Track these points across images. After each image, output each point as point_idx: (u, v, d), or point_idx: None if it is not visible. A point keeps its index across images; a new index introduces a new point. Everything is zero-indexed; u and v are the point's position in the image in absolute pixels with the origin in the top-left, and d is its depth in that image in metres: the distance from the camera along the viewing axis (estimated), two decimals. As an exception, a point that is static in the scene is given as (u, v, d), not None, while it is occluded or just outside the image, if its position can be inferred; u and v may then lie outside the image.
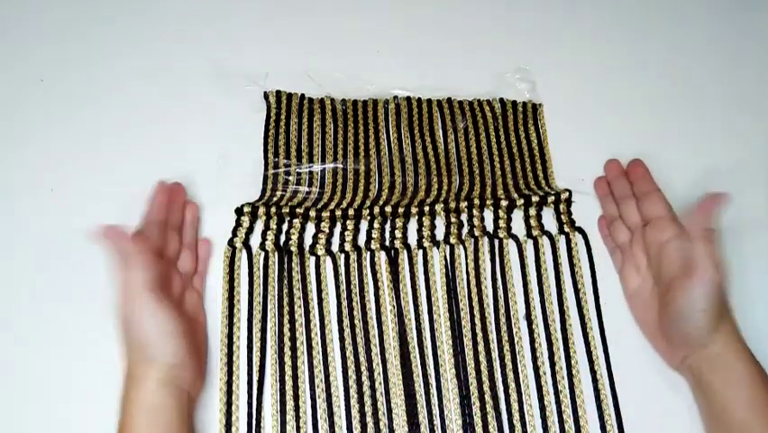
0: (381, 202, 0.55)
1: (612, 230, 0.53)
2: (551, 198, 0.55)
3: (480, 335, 0.50)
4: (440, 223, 0.55)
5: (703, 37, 0.66)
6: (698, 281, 0.44)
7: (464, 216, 0.55)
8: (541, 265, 0.53)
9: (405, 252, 0.53)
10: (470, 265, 0.53)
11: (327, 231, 0.53)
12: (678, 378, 0.49)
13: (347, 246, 0.53)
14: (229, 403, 0.47)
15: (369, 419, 0.47)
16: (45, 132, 0.57)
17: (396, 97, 0.61)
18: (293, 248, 0.53)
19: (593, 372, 0.49)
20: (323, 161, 0.58)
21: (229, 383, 0.48)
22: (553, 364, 0.49)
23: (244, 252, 0.52)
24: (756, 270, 0.53)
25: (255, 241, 0.53)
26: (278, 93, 0.59)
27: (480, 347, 0.50)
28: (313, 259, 0.53)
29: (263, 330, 0.50)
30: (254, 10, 0.65)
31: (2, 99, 0.59)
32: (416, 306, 0.51)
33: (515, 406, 0.48)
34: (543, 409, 0.48)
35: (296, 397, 0.48)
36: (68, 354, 0.48)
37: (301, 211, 0.53)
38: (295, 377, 0.48)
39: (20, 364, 0.48)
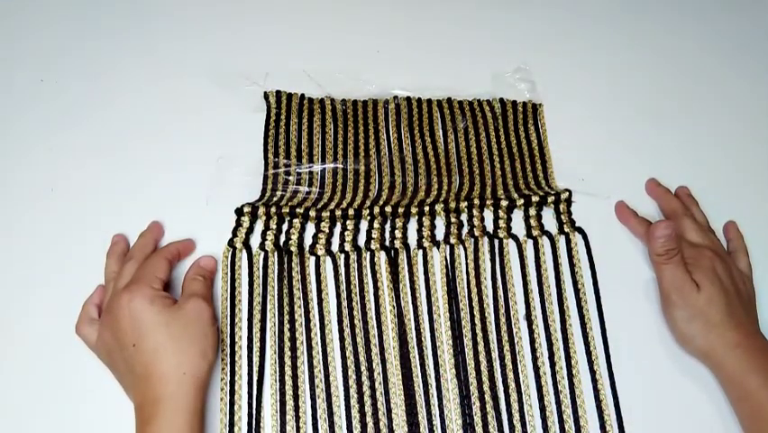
0: (381, 202, 0.55)
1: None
2: (551, 198, 0.55)
3: (480, 335, 0.50)
4: (440, 223, 0.55)
5: (703, 36, 0.66)
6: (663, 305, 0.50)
7: (464, 216, 0.55)
8: (541, 265, 0.53)
9: (405, 252, 0.53)
10: (470, 265, 0.53)
11: (327, 231, 0.53)
12: (677, 378, 0.49)
13: (347, 246, 0.53)
14: (232, 403, 0.47)
15: (368, 419, 0.47)
16: (45, 132, 0.58)
17: (396, 97, 0.61)
18: (293, 248, 0.53)
19: (593, 372, 0.49)
20: (323, 161, 0.58)
21: (232, 383, 0.48)
22: (553, 364, 0.49)
23: (244, 252, 0.52)
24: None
25: (255, 241, 0.53)
26: (278, 93, 0.59)
27: (480, 347, 0.50)
28: (313, 259, 0.53)
29: (263, 330, 0.50)
30: (254, 10, 0.65)
31: (2, 99, 0.59)
32: (416, 306, 0.51)
33: (515, 406, 0.48)
34: (543, 409, 0.48)
35: (296, 397, 0.48)
36: (67, 354, 0.48)
37: (301, 211, 0.53)
38: (295, 377, 0.48)
39: (19, 365, 0.48)
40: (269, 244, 0.52)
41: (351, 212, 0.54)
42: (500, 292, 0.52)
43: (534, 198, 0.55)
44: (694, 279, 0.48)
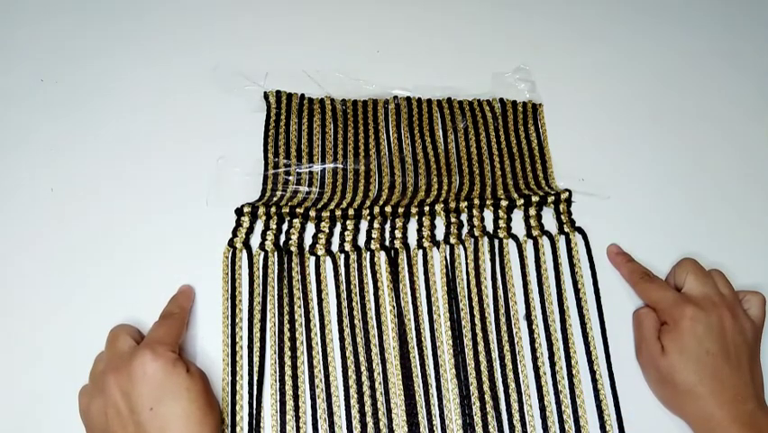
0: (381, 202, 0.55)
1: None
2: (551, 198, 0.55)
3: (480, 335, 0.50)
4: (440, 223, 0.55)
5: (704, 36, 0.66)
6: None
7: (464, 216, 0.55)
8: (541, 265, 0.53)
9: (405, 252, 0.53)
10: (470, 265, 0.53)
11: (327, 231, 0.53)
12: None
13: (347, 246, 0.53)
14: (233, 403, 0.47)
15: (368, 419, 0.47)
16: (45, 132, 0.58)
17: (396, 97, 0.61)
18: (293, 248, 0.53)
19: (593, 372, 0.49)
20: (323, 161, 0.58)
21: (233, 383, 0.48)
22: (553, 364, 0.49)
23: (244, 252, 0.52)
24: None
25: (255, 241, 0.53)
26: (278, 93, 0.59)
27: (480, 347, 0.50)
28: (313, 259, 0.53)
29: (263, 330, 0.50)
30: (254, 10, 0.65)
31: (2, 99, 0.59)
32: (416, 306, 0.51)
33: (515, 406, 0.48)
34: (543, 409, 0.48)
35: (296, 397, 0.48)
36: (67, 355, 0.48)
37: (301, 211, 0.53)
38: (295, 377, 0.48)
39: (19, 366, 0.49)
40: (269, 244, 0.52)
41: (351, 212, 0.54)
42: (500, 292, 0.52)
43: (534, 198, 0.55)
44: (661, 340, 0.46)
